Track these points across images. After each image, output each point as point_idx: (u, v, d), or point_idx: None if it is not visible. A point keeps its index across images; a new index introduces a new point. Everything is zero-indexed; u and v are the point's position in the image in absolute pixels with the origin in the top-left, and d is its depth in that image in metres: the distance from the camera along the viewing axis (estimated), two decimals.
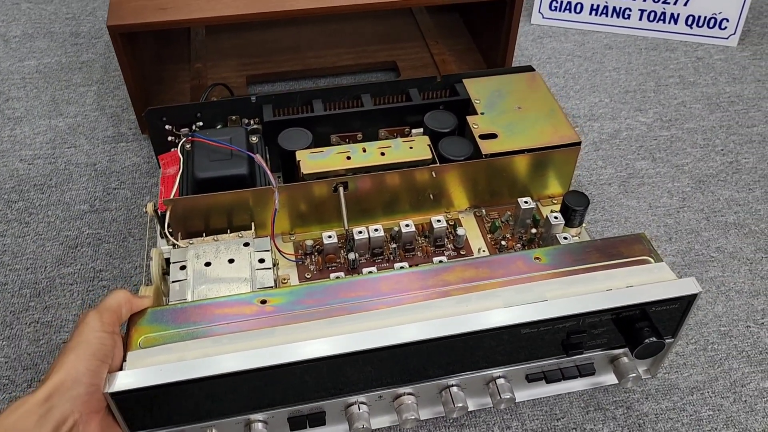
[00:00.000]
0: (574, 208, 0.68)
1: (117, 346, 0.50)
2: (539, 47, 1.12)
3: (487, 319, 0.52)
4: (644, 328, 0.55)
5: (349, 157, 0.69)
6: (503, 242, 0.70)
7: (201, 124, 0.75)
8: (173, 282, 0.58)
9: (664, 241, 0.81)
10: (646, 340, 0.54)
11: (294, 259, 0.67)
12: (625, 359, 0.60)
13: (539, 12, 1.16)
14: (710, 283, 0.76)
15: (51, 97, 1.00)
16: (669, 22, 1.13)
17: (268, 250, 0.62)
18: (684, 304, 0.55)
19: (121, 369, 0.48)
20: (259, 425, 0.54)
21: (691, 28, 1.12)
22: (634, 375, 0.59)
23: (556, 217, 0.67)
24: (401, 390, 0.56)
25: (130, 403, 0.48)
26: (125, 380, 0.47)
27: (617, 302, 0.53)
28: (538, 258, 0.58)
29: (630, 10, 1.13)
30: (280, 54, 1.04)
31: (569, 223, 0.68)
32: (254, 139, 0.72)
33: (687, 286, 0.55)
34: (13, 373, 0.68)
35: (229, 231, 0.65)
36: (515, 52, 0.98)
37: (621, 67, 1.08)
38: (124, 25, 0.80)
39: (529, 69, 0.82)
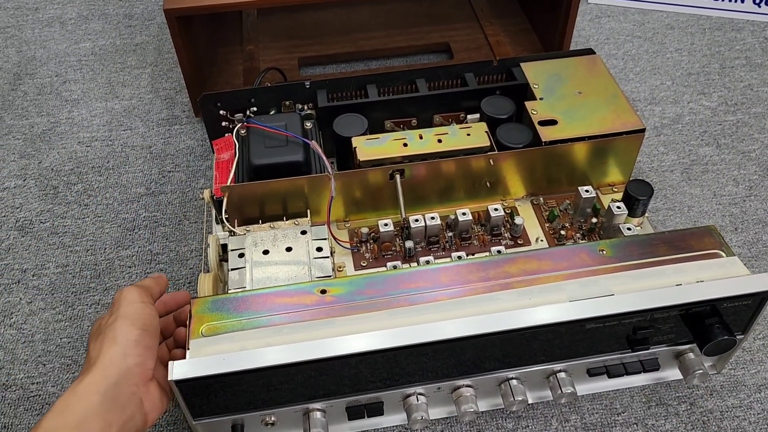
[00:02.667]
0: (637, 198, 0.66)
1: (156, 317, 0.52)
2: (597, 27, 1.08)
3: (552, 313, 0.50)
4: (715, 325, 0.53)
5: (405, 144, 0.68)
6: (562, 231, 0.68)
7: (255, 109, 0.75)
8: (232, 269, 0.59)
9: (729, 231, 0.78)
10: (718, 338, 0.52)
11: (349, 246, 0.66)
12: (691, 355, 0.58)
13: None
14: None
15: (107, 80, 1.01)
16: (735, 1, 1.07)
17: (326, 239, 0.61)
18: (758, 301, 0.53)
19: (180, 357, 0.49)
20: (318, 414, 0.54)
21: (759, 6, 1.07)
22: (700, 371, 0.57)
23: (618, 207, 0.65)
24: (460, 382, 0.55)
25: (193, 390, 0.49)
26: (189, 368, 0.47)
27: (688, 298, 0.51)
28: (603, 250, 0.56)
29: None
30: (332, 36, 1.03)
31: (632, 213, 0.66)
32: (308, 124, 0.71)
33: (762, 282, 0.53)
34: (75, 353, 0.70)
35: (284, 218, 0.65)
36: None
37: (683, 48, 1.03)
38: (180, 9, 0.80)
39: (589, 52, 0.79)
